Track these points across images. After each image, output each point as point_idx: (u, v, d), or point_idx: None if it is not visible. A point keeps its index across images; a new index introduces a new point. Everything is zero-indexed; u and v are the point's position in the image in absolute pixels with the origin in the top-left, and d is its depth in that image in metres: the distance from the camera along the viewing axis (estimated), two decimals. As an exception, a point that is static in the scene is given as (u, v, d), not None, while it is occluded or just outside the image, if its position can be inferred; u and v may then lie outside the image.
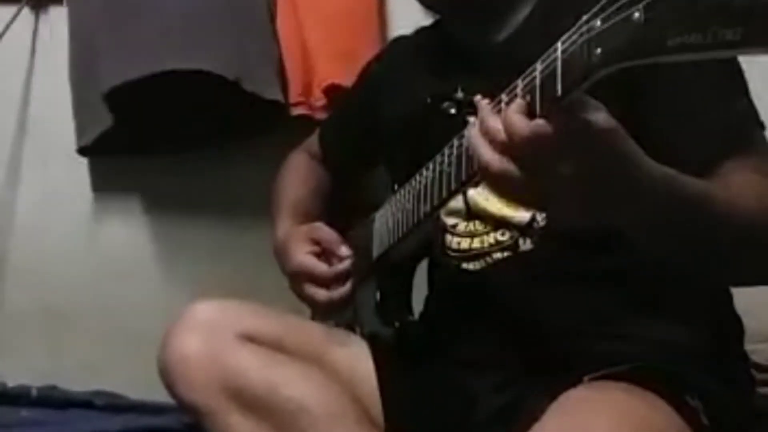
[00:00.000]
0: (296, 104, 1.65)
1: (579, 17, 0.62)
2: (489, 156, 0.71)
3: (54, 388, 1.79)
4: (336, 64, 1.63)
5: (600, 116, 0.67)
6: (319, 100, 1.63)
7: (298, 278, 1.20)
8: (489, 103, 0.74)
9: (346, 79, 1.54)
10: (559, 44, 0.65)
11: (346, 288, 1.17)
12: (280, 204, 1.38)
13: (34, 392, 1.75)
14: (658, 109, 0.93)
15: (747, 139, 0.93)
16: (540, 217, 1.03)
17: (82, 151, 1.80)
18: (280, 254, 1.26)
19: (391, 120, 1.22)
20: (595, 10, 0.60)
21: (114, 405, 1.74)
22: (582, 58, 0.61)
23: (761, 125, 0.95)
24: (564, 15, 0.67)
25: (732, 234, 0.80)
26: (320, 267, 1.18)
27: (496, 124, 0.70)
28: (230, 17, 1.64)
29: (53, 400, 1.74)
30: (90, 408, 1.73)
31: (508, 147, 0.69)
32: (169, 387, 1.11)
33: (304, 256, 1.20)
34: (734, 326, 1.07)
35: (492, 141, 0.71)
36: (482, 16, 1.09)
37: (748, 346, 1.07)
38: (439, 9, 1.14)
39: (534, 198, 0.73)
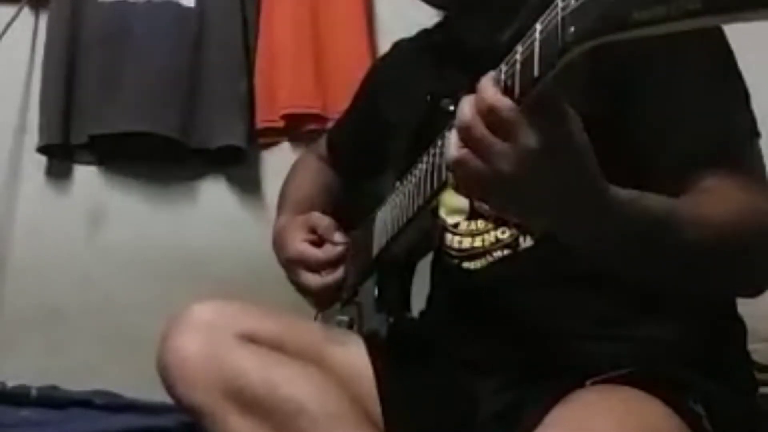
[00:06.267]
0: (264, 130, 1.92)
1: None
2: (454, 145, 0.70)
3: (54, 388, 1.79)
4: (302, 91, 1.88)
5: (573, 126, 0.67)
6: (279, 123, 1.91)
7: (293, 266, 1.21)
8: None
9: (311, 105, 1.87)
10: (538, 25, 0.65)
11: (338, 273, 1.17)
12: (284, 202, 1.38)
13: (34, 392, 1.75)
14: (647, 114, 0.92)
15: (736, 154, 0.91)
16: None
17: (41, 150, 1.91)
18: (278, 245, 1.26)
19: (393, 120, 1.22)
20: None
21: (113, 405, 1.74)
22: (557, 37, 0.61)
23: (757, 135, 0.93)
24: None
25: (702, 251, 0.80)
26: (314, 252, 1.19)
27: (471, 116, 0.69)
28: (203, 81, 1.90)
29: (53, 400, 1.74)
30: (89, 407, 1.73)
31: (470, 132, 0.68)
32: (169, 387, 1.10)
33: (299, 244, 1.20)
34: (737, 327, 1.06)
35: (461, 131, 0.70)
36: (490, 15, 1.08)
37: (748, 346, 1.07)
38: (449, 8, 1.13)
39: (488, 197, 0.73)
